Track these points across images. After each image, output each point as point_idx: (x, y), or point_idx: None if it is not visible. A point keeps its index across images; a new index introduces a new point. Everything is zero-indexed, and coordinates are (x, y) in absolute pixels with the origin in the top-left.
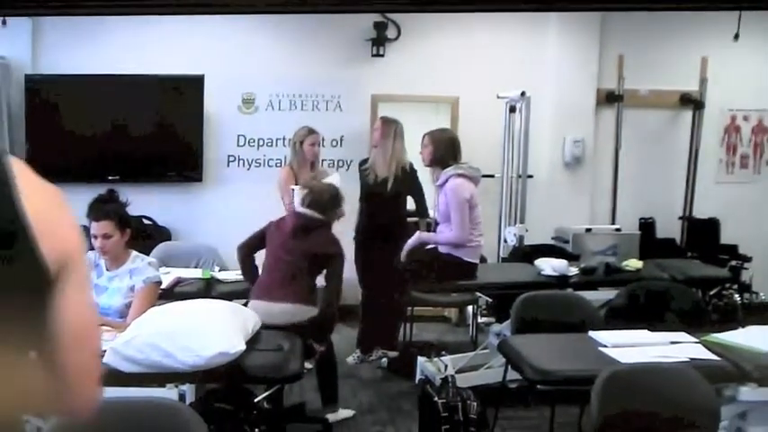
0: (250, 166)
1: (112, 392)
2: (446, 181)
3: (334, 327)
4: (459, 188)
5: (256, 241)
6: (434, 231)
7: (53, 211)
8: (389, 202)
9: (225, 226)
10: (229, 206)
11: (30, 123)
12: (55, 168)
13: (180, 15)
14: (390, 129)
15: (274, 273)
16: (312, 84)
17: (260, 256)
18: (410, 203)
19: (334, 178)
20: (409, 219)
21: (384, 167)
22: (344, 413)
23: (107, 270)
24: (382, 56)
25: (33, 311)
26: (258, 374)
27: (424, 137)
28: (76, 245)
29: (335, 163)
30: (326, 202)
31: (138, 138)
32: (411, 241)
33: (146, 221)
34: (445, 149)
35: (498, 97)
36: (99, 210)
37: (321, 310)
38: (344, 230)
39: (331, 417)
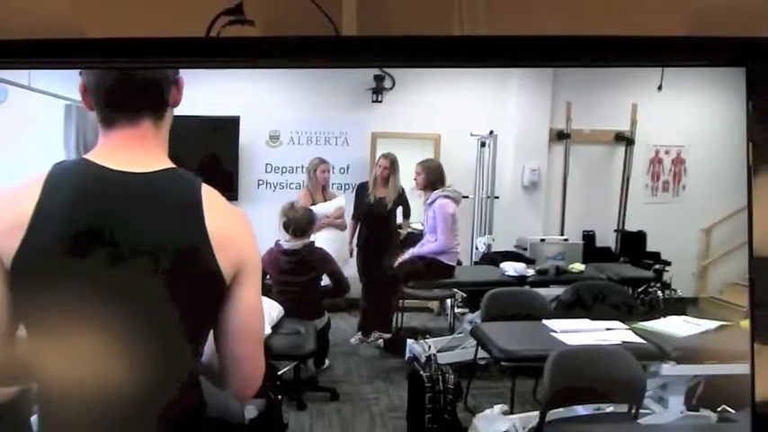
0: (275, 188)
1: None
2: (434, 200)
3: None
4: (446, 206)
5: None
6: (421, 240)
7: (231, 229)
8: (388, 218)
9: (256, 234)
10: (259, 219)
11: None
12: None
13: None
14: (395, 167)
15: (293, 298)
16: (325, 123)
17: None
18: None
19: (340, 200)
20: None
21: (393, 194)
22: (326, 363)
23: None
24: (380, 102)
25: (210, 307)
26: (281, 352)
27: (417, 165)
28: (250, 256)
29: (343, 186)
30: (306, 225)
31: (186, 167)
32: (405, 257)
33: None
34: (435, 176)
35: (471, 135)
36: None
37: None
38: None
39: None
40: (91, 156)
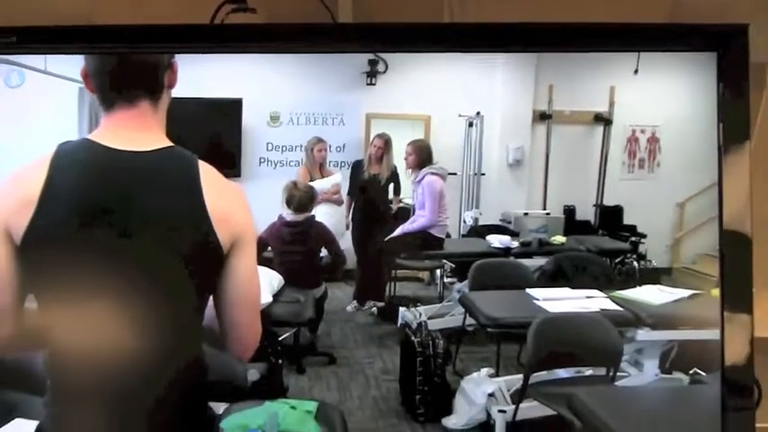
0: (276, 165)
1: None
2: (423, 177)
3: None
4: (434, 183)
5: (261, 246)
6: (412, 215)
7: (228, 203)
8: (382, 194)
9: (257, 208)
10: (260, 194)
11: None
12: None
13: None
14: (389, 146)
15: (294, 268)
16: (322, 105)
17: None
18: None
19: (337, 176)
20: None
21: (386, 172)
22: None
23: None
24: (374, 84)
25: (211, 276)
26: (281, 319)
27: (407, 145)
28: (246, 228)
29: (339, 164)
30: (307, 201)
31: (193, 146)
32: (396, 233)
33: None
34: (424, 155)
35: (459, 116)
36: None
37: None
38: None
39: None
40: (93, 136)
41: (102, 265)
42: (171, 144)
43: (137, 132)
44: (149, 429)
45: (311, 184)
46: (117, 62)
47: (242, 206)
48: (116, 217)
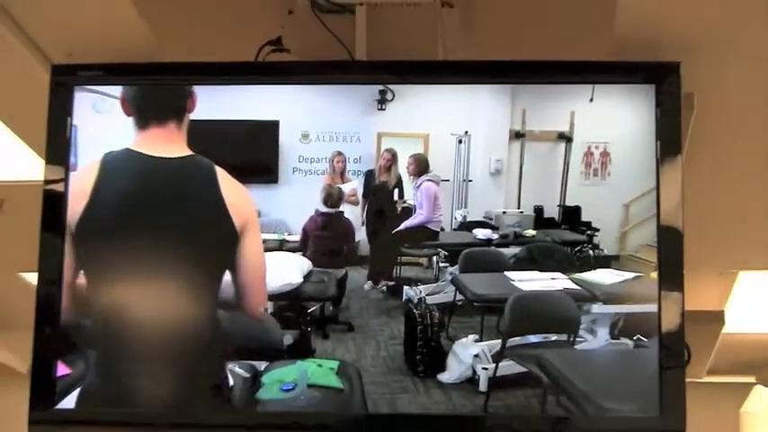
0: (306, 173)
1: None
2: (421, 183)
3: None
4: (429, 187)
5: (304, 236)
6: (413, 213)
7: (239, 197)
8: (389, 195)
9: (291, 205)
10: (293, 196)
11: None
12: None
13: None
14: (395, 159)
15: (322, 250)
16: (342, 126)
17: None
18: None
19: (354, 183)
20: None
21: (393, 179)
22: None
23: None
24: (384, 110)
25: (228, 252)
26: (310, 296)
27: (409, 158)
28: (252, 215)
29: (356, 172)
30: (337, 199)
31: (241, 158)
32: (400, 227)
33: None
34: (422, 166)
35: (451, 134)
36: None
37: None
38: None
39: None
40: (131, 146)
41: (141, 247)
42: (192, 153)
43: (166, 144)
44: (176, 375)
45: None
46: (153, 92)
47: (248, 199)
48: (153, 207)
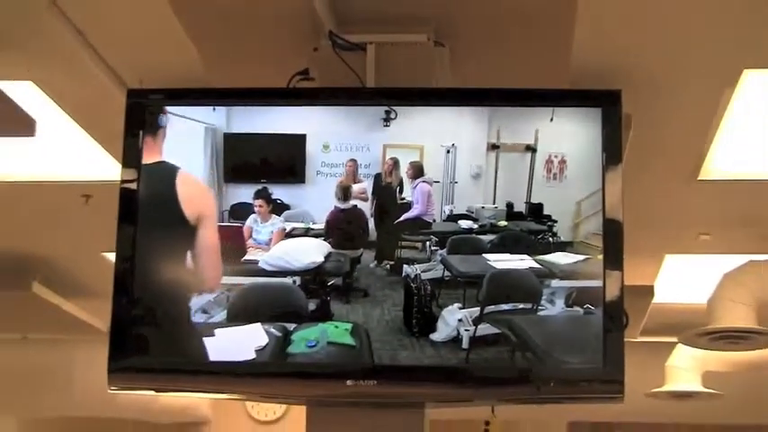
0: (327, 176)
1: (262, 280)
2: (417, 184)
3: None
4: (423, 187)
5: (328, 226)
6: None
7: (193, 193)
8: (393, 194)
9: (314, 203)
10: (316, 195)
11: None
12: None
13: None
14: (398, 165)
15: (339, 234)
16: (355, 139)
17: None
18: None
19: (364, 184)
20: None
21: (396, 181)
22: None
23: (261, 222)
24: (389, 126)
25: (186, 239)
26: (329, 272)
27: (408, 164)
28: (205, 209)
29: (367, 176)
30: (346, 194)
31: (276, 164)
32: (401, 219)
33: (278, 201)
34: (418, 170)
35: (441, 146)
36: (258, 194)
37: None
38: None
39: None
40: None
41: (147, 233)
42: (162, 160)
43: (146, 154)
44: None
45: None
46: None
47: (204, 197)
48: (144, 203)
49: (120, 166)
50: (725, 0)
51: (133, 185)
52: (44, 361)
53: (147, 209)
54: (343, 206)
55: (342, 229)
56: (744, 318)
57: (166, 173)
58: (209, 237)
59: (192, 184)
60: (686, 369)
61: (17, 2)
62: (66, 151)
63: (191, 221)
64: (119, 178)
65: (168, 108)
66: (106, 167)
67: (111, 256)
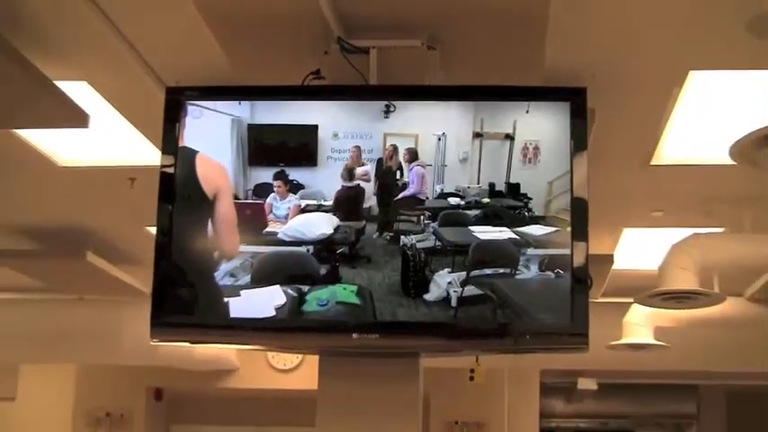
0: (336, 160)
1: (281, 249)
2: (413, 167)
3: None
4: (418, 170)
5: (336, 201)
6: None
7: (210, 171)
8: (392, 176)
9: (325, 183)
10: (327, 176)
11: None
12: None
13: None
14: (397, 151)
15: (347, 211)
16: (360, 128)
17: None
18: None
19: (367, 167)
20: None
21: (395, 165)
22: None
23: (280, 200)
24: (389, 118)
25: (207, 212)
26: (337, 241)
27: (404, 149)
28: (221, 185)
29: (370, 160)
30: (350, 175)
31: (292, 150)
32: (399, 196)
33: (294, 181)
34: (413, 155)
35: (433, 134)
36: (277, 176)
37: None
38: None
39: None
40: None
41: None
42: (183, 145)
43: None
44: None
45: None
46: None
47: (220, 173)
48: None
49: (159, 152)
50: (673, 13)
51: (171, 169)
52: (97, 318)
53: (177, 188)
54: (348, 185)
55: (346, 204)
56: (688, 281)
57: (188, 156)
58: (225, 209)
59: (208, 164)
60: (640, 325)
61: (75, 16)
62: (115, 140)
63: (209, 196)
64: (159, 163)
65: (201, 102)
66: (148, 154)
67: (152, 230)
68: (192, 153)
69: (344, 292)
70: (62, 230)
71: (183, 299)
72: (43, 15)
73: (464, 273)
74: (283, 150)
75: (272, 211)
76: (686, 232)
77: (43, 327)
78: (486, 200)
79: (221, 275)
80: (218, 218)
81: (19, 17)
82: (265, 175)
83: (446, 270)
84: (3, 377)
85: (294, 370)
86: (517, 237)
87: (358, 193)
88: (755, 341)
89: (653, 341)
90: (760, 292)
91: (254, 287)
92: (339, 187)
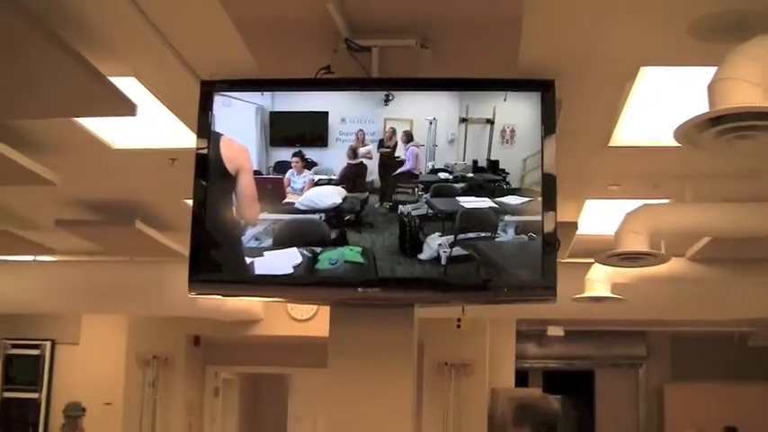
0: (343, 141)
1: (298, 216)
2: (409, 147)
3: None
4: (413, 150)
5: (343, 174)
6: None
7: (232, 152)
8: (391, 153)
9: (334, 161)
10: (335, 155)
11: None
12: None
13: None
14: (394, 133)
15: (352, 183)
16: (364, 114)
17: None
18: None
19: (369, 147)
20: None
21: (393, 144)
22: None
23: (297, 175)
24: (388, 105)
25: (231, 187)
26: (345, 209)
27: (402, 132)
28: (243, 162)
29: (372, 141)
30: (353, 154)
31: (307, 133)
32: (397, 172)
33: (309, 159)
34: (409, 137)
35: (425, 119)
36: (295, 155)
37: None
38: None
39: None
40: None
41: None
42: (213, 130)
43: None
44: None
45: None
46: None
47: (241, 153)
48: None
49: (195, 136)
50: (626, 19)
51: (205, 151)
52: (144, 276)
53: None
54: (352, 162)
55: (351, 178)
56: (640, 244)
57: (215, 140)
58: (245, 184)
59: (230, 145)
60: (600, 281)
61: (126, 23)
62: (158, 127)
63: (232, 173)
64: (194, 146)
65: (230, 93)
66: (186, 138)
67: (189, 202)
68: (217, 136)
69: (351, 253)
70: (115, 203)
71: (215, 259)
72: (99, 22)
73: (452, 236)
74: (299, 133)
75: (290, 185)
76: (638, 203)
77: (101, 284)
78: (470, 174)
79: (248, 239)
80: (239, 191)
81: (80, 24)
82: (284, 154)
83: (437, 234)
84: (69, 325)
85: (310, 320)
86: (496, 205)
87: (361, 169)
88: (695, 294)
89: (610, 295)
90: (699, 253)
91: (275, 249)
92: (345, 164)
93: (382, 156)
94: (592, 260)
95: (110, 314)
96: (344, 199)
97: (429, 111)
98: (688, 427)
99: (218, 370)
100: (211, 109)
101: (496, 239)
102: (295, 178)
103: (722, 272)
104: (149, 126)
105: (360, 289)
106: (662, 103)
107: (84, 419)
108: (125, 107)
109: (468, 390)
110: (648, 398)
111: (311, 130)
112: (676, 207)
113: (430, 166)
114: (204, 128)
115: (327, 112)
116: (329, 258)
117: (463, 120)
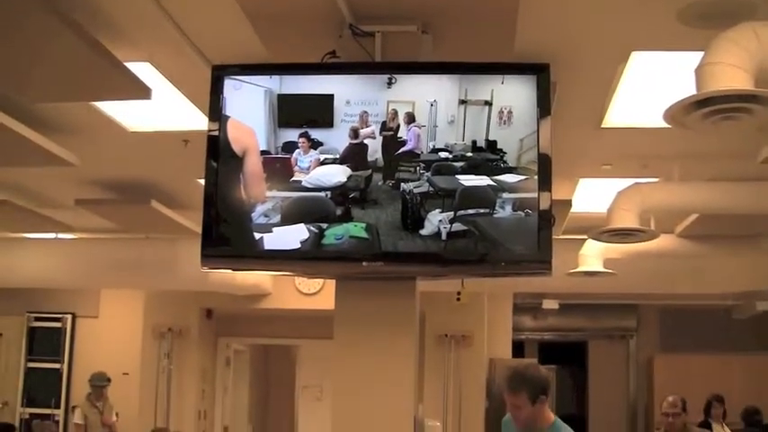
0: (348, 122)
1: (305, 194)
2: (411, 129)
3: None
4: (415, 130)
5: (345, 153)
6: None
7: (239, 133)
8: (394, 134)
9: (339, 141)
10: (340, 135)
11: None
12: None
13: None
14: (397, 115)
15: (355, 162)
16: (368, 96)
17: None
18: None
19: (372, 128)
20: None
21: (395, 125)
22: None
23: (304, 155)
24: (391, 88)
25: (239, 166)
26: (349, 187)
27: (404, 113)
28: (248, 145)
29: (376, 122)
30: (355, 134)
31: (316, 115)
32: (399, 151)
33: (315, 140)
34: (411, 118)
35: (426, 101)
36: (302, 135)
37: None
38: None
39: None
40: None
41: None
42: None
43: None
44: None
45: (360, 131)
46: None
47: (247, 134)
48: None
49: (206, 119)
50: (619, 4)
51: (216, 133)
52: (159, 252)
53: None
54: (354, 142)
55: (353, 157)
56: (630, 221)
57: (223, 122)
58: (252, 164)
59: (237, 127)
60: (593, 256)
61: (141, 10)
62: (172, 109)
63: (239, 154)
64: (206, 128)
65: (240, 77)
66: (198, 120)
67: (201, 181)
68: (225, 119)
69: (356, 229)
70: (131, 183)
71: (226, 235)
72: (116, 11)
73: (452, 212)
74: (306, 115)
75: (297, 164)
76: (629, 182)
77: (118, 260)
78: (469, 154)
79: (257, 216)
80: (246, 171)
81: (98, 13)
82: (291, 134)
83: (437, 210)
84: (88, 299)
85: (317, 294)
86: (494, 183)
87: (362, 149)
88: (683, 269)
89: (603, 269)
90: (687, 230)
91: (283, 225)
92: (347, 144)
93: (385, 136)
94: (585, 236)
95: (127, 289)
96: (349, 177)
97: (430, 93)
98: (672, 394)
99: (229, 341)
100: (222, 92)
101: (494, 216)
102: (302, 158)
103: (709, 248)
104: (163, 109)
105: (364, 263)
106: (652, 86)
107: (108, 389)
108: (140, 91)
109: (468, 360)
110: (639, 368)
111: (317, 112)
112: (665, 186)
113: (431, 146)
114: (215, 111)
115: (333, 95)
116: (335, 234)
117: (462, 102)
